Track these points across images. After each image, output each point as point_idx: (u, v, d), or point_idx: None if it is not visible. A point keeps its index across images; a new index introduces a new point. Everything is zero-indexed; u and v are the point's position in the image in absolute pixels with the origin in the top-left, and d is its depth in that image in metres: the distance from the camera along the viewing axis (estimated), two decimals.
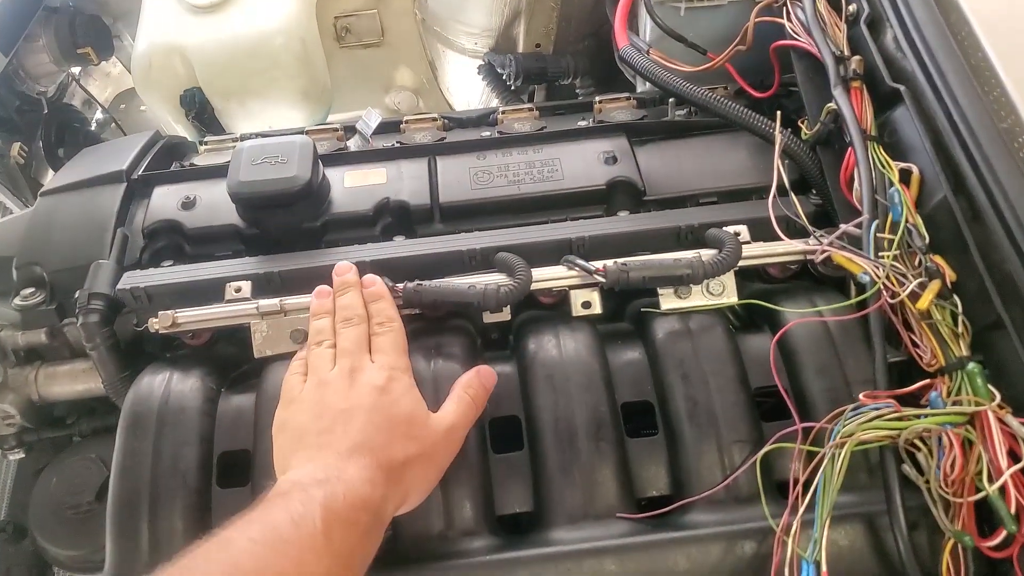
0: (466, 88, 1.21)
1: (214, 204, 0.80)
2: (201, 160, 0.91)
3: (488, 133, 0.90)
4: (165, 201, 0.81)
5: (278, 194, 0.74)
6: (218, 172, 0.82)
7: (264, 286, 0.71)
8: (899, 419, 0.56)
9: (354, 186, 0.81)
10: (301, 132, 0.91)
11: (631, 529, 0.60)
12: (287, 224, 0.77)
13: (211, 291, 0.71)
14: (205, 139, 0.93)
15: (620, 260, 0.67)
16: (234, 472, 0.64)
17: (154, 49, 1.10)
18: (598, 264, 0.67)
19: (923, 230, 0.64)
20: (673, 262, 0.65)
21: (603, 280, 0.66)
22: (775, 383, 0.63)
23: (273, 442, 0.59)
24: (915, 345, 0.62)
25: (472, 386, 0.62)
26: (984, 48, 0.64)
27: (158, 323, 0.68)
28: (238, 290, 0.70)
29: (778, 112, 0.72)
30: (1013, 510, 0.53)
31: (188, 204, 0.81)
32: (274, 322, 0.68)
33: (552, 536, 0.59)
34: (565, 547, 0.58)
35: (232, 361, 0.73)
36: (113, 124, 1.47)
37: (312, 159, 0.76)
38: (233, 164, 0.76)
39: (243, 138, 0.93)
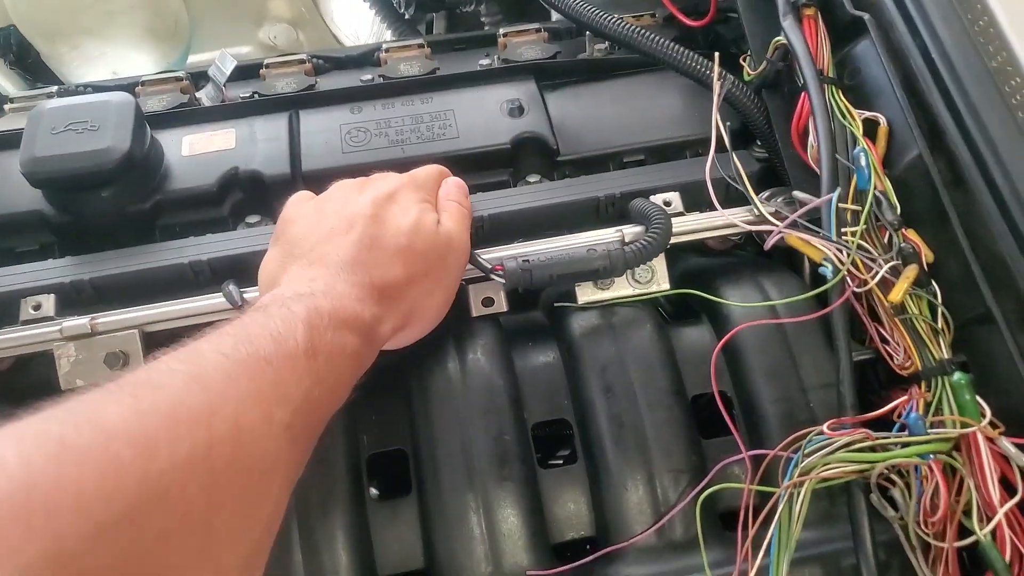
0: (354, 17, 1.03)
1: (13, 184, 0.62)
2: (5, 123, 0.72)
3: (369, 76, 0.74)
4: None
5: (88, 172, 0.58)
6: (20, 141, 0.64)
7: (72, 299, 0.55)
8: (871, 449, 0.45)
9: (194, 154, 0.65)
10: (132, 86, 0.73)
11: None
12: (106, 209, 0.61)
13: (5, 308, 0.55)
14: (12, 95, 0.75)
15: (522, 249, 0.53)
16: None
17: None
18: (495, 257, 0.53)
19: (893, 199, 0.52)
20: (586, 254, 0.52)
21: (502, 281, 0.52)
22: (719, 391, 0.51)
23: (263, 259, 0.52)
24: (884, 341, 0.51)
25: (451, 194, 0.55)
26: None
27: None
28: (36, 307, 0.54)
29: (715, 54, 0.58)
30: (1008, 556, 0.43)
31: None
32: (85, 344, 0.53)
33: None
34: None
35: (49, 384, 0.58)
36: None
37: (133, 123, 0.60)
38: (27, 135, 0.59)
39: (63, 93, 0.75)
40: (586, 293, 0.55)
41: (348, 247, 0.47)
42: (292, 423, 0.37)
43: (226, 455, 0.33)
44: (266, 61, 0.75)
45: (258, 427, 0.35)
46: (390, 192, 0.51)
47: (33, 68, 0.93)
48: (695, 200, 0.58)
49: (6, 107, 0.73)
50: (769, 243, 0.52)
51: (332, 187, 0.54)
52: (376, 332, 0.46)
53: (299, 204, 0.53)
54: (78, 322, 0.52)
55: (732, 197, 0.57)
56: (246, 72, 0.76)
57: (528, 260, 0.51)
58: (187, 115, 0.68)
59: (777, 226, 0.51)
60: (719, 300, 0.54)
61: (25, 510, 0.26)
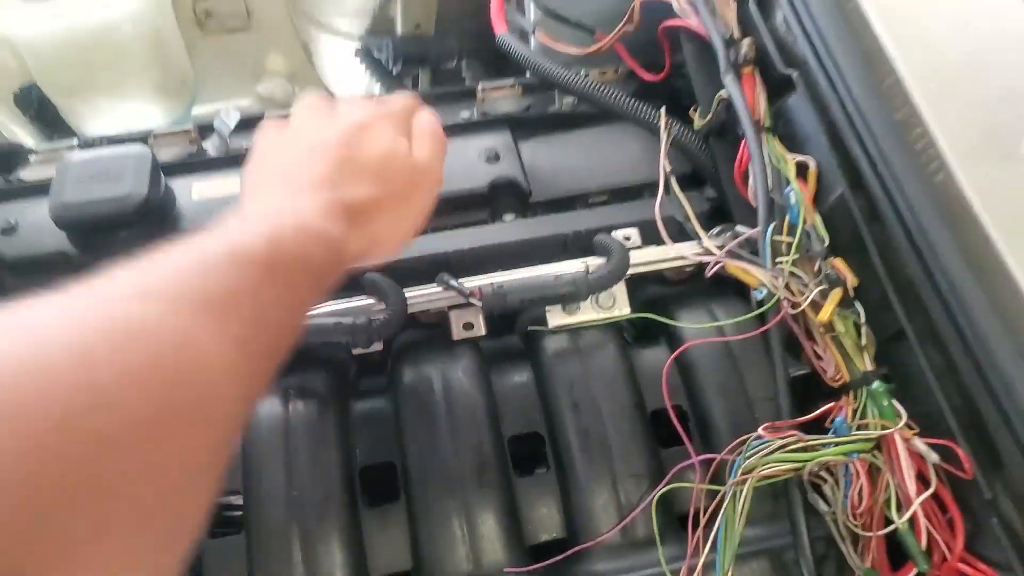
0: (346, 73, 1.11)
1: (40, 227, 0.69)
2: (30, 173, 0.79)
3: None
4: None
5: (110, 216, 0.65)
6: (46, 189, 0.71)
7: None
8: (803, 450, 0.51)
9: (204, 198, 0.72)
10: (144, 138, 0.80)
11: None
12: (125, 249, 0.67)
13: None
14: (37, 147, 0.82)
15: (496, 280, 0.60)
16: None
17: None
18: (474, 284, 0.60)
19: (822, 231, 0.59)
20: (554, 280, 0.59)
21: (479, 304, 0.59)
22: (674, 404, 0.58)
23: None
24: (818, 357, 0.58)
25: (424, 124, 0.55)
26: (876, 31, 0.58)
27: None
28: None
29: (663, 107, 0.65)
30: (924, 543, 0.49)
31: (8, 229, 0.70)
32: None
33: None
34: None
35: None
36: None
37: (150, 172, 0.66)
38: (56, 183, 0.66)
39: (83, 144, 0.82)
40: (556, 318, 0.62)
41: (319, 168, 0.47)
42: (245, 336, 0.36)
43: (173, 366, 0.32)
44: (267, 114, 0.83)
45: (208, 338, 0.34)
46: (363, 121, 0.51)
47: (51, 121, 1.00)
48: (653, 235, 0.65)
49: (31, 158, 0.80)
50: (709, 271, 0.59)
51: (302, 110, 0.54)
52: (342, 250, 0.45)
53: (271, 137, 0.53)
54: None
55: (688, 233, 0.64)
56: (248, 124, 0.83)
57: (503, 286, 0.58)
58: (196, 164, 0.76)
59: (716, 255, 0.58)
60: (672, 322, 0.60)
61: None
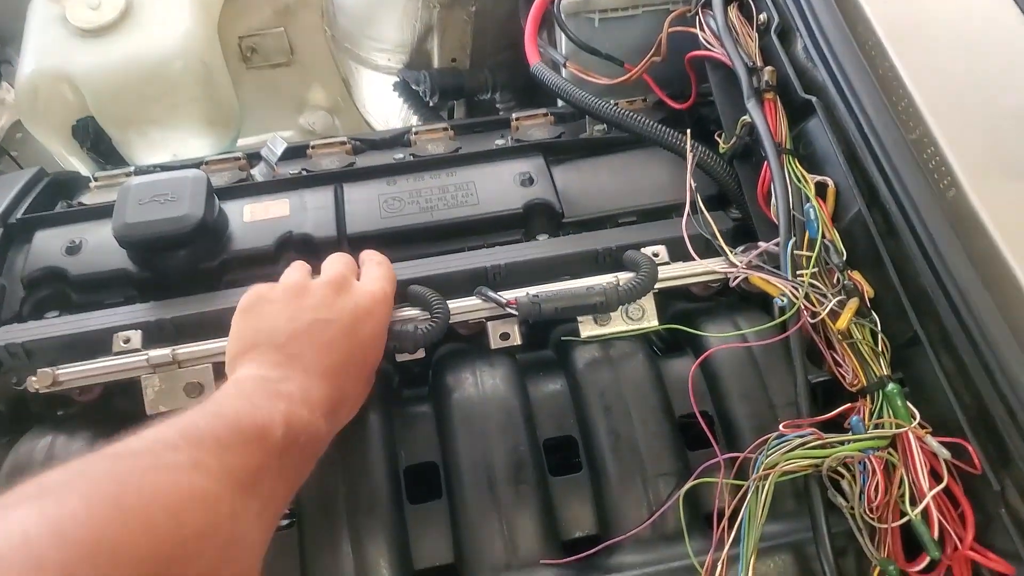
0: (384, 105, 1.17)
1: (102, 247, 0.74)
2: (91, 198, 0.85)
3: (401, 155, 0.86)
4: (47, 246, 0.75)
5: (169, 235, 0.69)
6: (107, 212, 0.75)
7: (155, 335, 0.66)
8: (821, 447, 0.54)
9: (254, 220, 0.76)
10: (198, 164, 0.85)
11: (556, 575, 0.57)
12: (182, 266, 0.72)
13: (98, 343, 0.66)
14: (96, 174, 0.87)
15: (532, 291, 0.64)
16: None
17: (39, 77, 1.01)
18: (510, 296, 0.64)
19: (840, 246, 0.62)
20: (586, 291, 0.62)
21: (516, 313, 0.62)
22: (701, 410, 0.61)
23: (232, 324, 0.57)
24: (837, 364, 0.61)
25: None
26: (891, 58, 0.63)
27: (37, 382, 0.63)
28: (126, 341, 0.65)
29: (687, 131, 0.70)
30: (936, 534, 0.52)
31: (73, 249, 0.74)
32: (167, 375, 0.63)
33: None
34: None
35: (129, 417, 0.68)
36: (7, 156, 1.38)
37: (205, 195, 0.71)
38: (119, 205, 0.71)
39: (138, 172, 0.88)
40: (587, 328, 0.65)
41: (333, 355, 0.54)
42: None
43: (226, 534, 0.40)
44: (312, 143, 0.88)
45: (243, 513, 0.42)
46: (368, 307, 0.58)
47: (105, 152, 1.07)
48: (681, 253, 0.68)
49: (91, 184, 0.86)
50: (734, 282, 0.63)
51: (291, 276, 0.61)
52: (322, 441, 0.53)
53: (266, 291, 0.59)
54: (162, 352, 0.63)
55: (713, 251, 0.68)
56: (293, 152, 0.89)
57: (538, 296, 0.62)
58: (247, 188, 0.81)
59: (740, 267, 0.62)
60: (697, 332, 0.64)
61: None
